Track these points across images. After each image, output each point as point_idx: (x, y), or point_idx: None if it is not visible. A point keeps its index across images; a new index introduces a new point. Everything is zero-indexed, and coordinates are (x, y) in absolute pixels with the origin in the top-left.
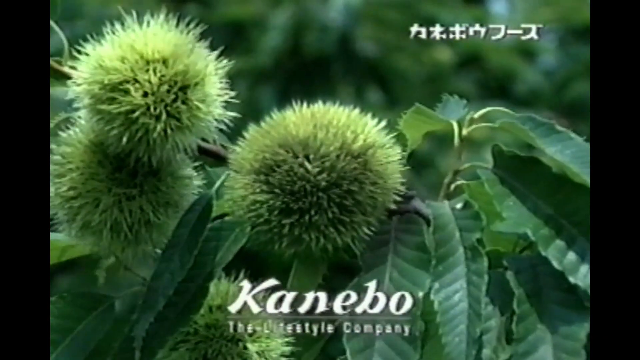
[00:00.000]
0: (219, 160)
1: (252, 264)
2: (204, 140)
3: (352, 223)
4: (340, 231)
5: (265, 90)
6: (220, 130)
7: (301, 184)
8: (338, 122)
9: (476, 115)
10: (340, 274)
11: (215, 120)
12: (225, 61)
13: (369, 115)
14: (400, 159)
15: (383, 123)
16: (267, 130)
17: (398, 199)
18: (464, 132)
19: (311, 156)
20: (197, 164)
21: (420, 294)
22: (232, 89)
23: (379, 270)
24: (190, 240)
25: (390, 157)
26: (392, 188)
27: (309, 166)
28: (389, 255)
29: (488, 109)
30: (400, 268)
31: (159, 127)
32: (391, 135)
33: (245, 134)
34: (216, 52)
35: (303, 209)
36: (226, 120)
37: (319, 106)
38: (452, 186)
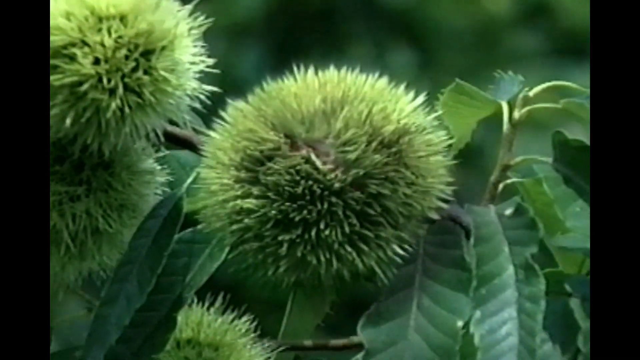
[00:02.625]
0: (192, 149)
1: (234, 287)
2: (172, 123)
3: (377, 239)
4: (362, 251)
5: (252, 53)
6: (194, 109)
7: (306, 184)
8: (358, 95)
9: (532, 92)
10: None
11: (188, 96)
12: (201, 18)
13: (401, 86)
14: (446, 148)
15: (421, 98)
16: (256, 107)
17: (441, 204)
18: (516, 114)
19: (322, 144)
20: (162, 154)
21: (459, 323)
22: (210, 55)
23: (404, 296)
24: (152, 255)
25: (433, 146)
26: (434, 190)
27: (316, 160)
28: (416, 275)
29: (549, 83)
30: (432, 291)
31: (113, 105)
32: (432, 114)
33: (224, 114)
34: (189, 7)
35: (308, 221)
36: (202, 97)
37: (330, 73)
38: (500, 186)
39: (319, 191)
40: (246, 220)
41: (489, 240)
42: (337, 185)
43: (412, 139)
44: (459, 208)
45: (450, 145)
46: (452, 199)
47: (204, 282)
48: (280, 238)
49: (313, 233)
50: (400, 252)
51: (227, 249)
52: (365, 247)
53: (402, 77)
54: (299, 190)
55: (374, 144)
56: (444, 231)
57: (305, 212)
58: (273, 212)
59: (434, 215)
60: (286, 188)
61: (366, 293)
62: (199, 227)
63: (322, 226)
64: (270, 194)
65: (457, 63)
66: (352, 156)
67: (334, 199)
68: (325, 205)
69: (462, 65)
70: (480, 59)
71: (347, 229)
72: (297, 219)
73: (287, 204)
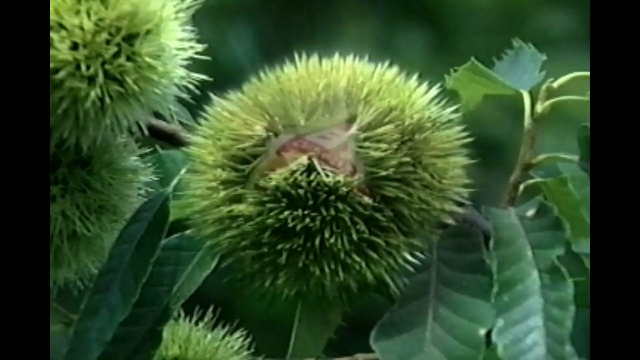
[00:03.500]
0: (178, 145)
1: (225, 298)
2: (157, 115)
3: (388, 247)
4: (371, 259)
5: (245, 37)
6: (182, 100)
7: (308, 188)
8: (369, 86)
9: (556, 84)
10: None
11: (175, 85)
12: (189, 0)
13: (411, 74)
14: (465, 144)
15: (434, 90)
16: (251, 97)
17: (457, 209)
18: (539, 107)
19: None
20: (146, 150)
21: (482, 331)
22: (199, 40)
23: (418, 305)
24: (136, 263)
25: (450, 144)
26: (451, 192)
27: (317, 162)
28: (431, 283)
29: (577, 73)
30: (449, 299)
31: (92, 94)
32: (451, 107)
33: (213, 107)
34: None
35: (311, 229)
36: (190, 86)
37: (334, 59)
38: (521, 187)
39: (323, 196)
40: (240, 227)
41: (510, 243)
42: (343, 189)
43: (428, 136)
44: (475, 211)
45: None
46: (468, 201)
47: (192, 293)
48: (279, 247)
49: (316, 241)
50: (412, 259)
51: (217, 257)
52: (374, 255)
53: (412, 63)
54: (300, 192)
55: (394, 142)
56: (460, 234)
57: (307, 220)
58: (270, 220)
59: (449, 220)
60: (285, 192)
61: (371, 306)
62: (187, 232)
63: (326, 234)
64: (266, 198)
65: (477, 47)
66: (376, 154)
67: (340, 205)
68: (332, 212)
69: (482, 50)
70: (503, 43)
71: (355, 237)
72: (297, 226)
73: (287, 212)
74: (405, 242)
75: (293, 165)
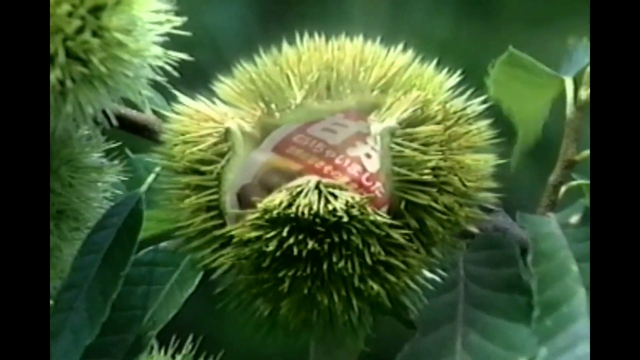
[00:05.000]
0: (152, 138)
1: (208, 325)
2: (127, 103)
3: (407, 267)
4: (387, 280)
5: (234, 9)
6: (157, 85)
7: (314, 215)
8: (380, 68)
9: None
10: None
11: (149, 66)
12: None
13: (432, 62)
14: (492, 139)
15: (456, 77)
16: (243, 81)
17: (482, 215)
18: (583, 95)
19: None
20: (113, 144)
21: None
22: (178, 13)
23: (445, 332)
24: (104, 277)
25: (477, 139)
26: (478, 196)
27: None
28: (458, 304)
29: None
30: (481, 324)
31: (52, 77)
32: (480, 96)
33: (183, 98)
34: None
35: (318, 253)
36: (168, 67)
37: (344, 40)
38: (563, 188)
39: (332, 220)
40: (235, 251)
41: (551, 257)
42: (356, 212)
43: (455, 131)
44: (508, 217)
45: (506, 138)
46: (499, 207)
47: (169, 319)
48: (281, 274)
49: (324, 266)
50: (435, 276)
51: (200, 275)
52: (392, 278)
53: (428, 43)
54: (306, 220)
55: (431, 139)
56: (491, 245)
57: (314, 244)
58: (270, 248)
59: (474, 229)
60: (287, 218)
61: (389, 333)
62: (163, 244)
63: (334, 258)
64: (263, 222)
65: (510, 27)
66: (414, 155)
67: (351, 226)
68: (343, 235)
69: (516, 28)
70: (545, 15)
71: (369, 260)
72: (303, 253)
73: (291, 238)
74: (426, 260)
75: (295, 187)
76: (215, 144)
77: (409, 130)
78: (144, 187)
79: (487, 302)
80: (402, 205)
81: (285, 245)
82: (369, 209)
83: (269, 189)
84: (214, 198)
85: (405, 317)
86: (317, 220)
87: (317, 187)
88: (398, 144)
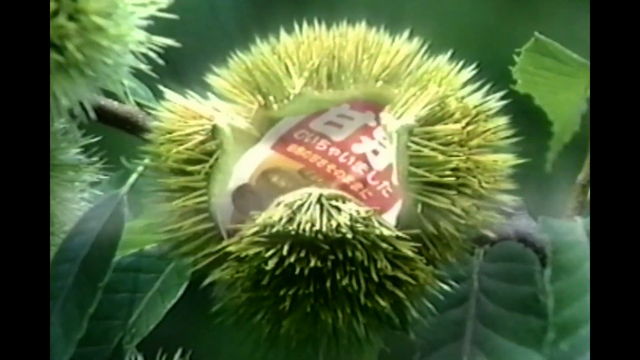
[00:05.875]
0: (135, 133)
1: (194, 338)
2: (107, 94)
3: (415, 280)
4: (394, 296)
5: None
6: (138, 75)
7: (316, 231)
8: (386, 58)
9: None
10: None
11: (131, 53)
12: None
13: (446, 54)
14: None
15: (472, 69)
16: (236, 73)
17: (500, 218)
18: None
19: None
20: (92, 139)
21: None
22: None
23: (450, 351)
24: (81, 287)
25: (500, 135)
26: (498, 200)
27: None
28: (467, 321)
29: None
30: (490, 346)
31: None
32: (499, 90)
33: (170, 94)
34: None
35: (321, 270)
36: (153, 54)
37: (346, 27)
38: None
39: (337, 236)
40: (232, 266)
41: (572, 271)
42: (361, 227)
43: (474, 129)
44: (530, 221)
45: (526, 136)
46: (521, 210)
47: (151, 330)
48: (281, 292)
49: (327, 284)
50: (445, 287)
51: (185, 284)
52: (400, 293)
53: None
54: (307, 237)
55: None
56: (509, 257)
57: (317, 262)
58: (269, 267)
59: (491, 234)
60: (287, 235)
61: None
62: (147, 248)
63: (338, 275)
64: (261, 239)
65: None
66: (433, 155)
67: (356, 242)
68: (348, 252)
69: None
70: None
71: (375, 277)
72: (305, 271)
73: (292, 257)
74: (435, 274)
75: (295, 201)
76: (202, 142)
77: (428, 128)
78: (125, 188)
79: (499, 322)
80: (419, 208)
81: (285, 264)
82: (375, 221)
83: (267, 190)
84: (202, 200)
85: (414, 333)
86: (320, 236)
87: (318, 200)
88: (416, 143)
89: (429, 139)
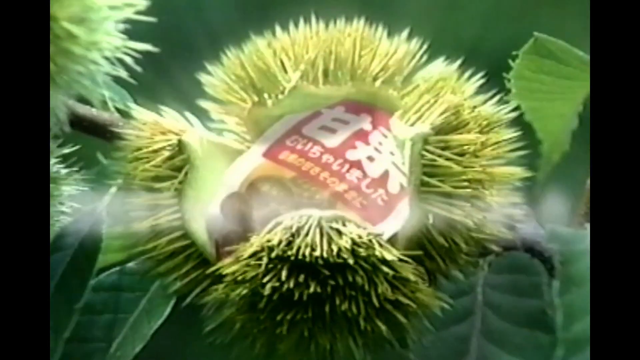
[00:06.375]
0: (113, 141)
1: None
2: (83, 101)
3: (416, 304)
4: (395, 319)
5: None
6: (118, 80)
7: (315, 257)
8: (388, 58)
9: None
10: None
11: (107, 59)
12: None
13: (457, 62)
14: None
15: (480, 78)
16: (228, 70)
17: (506, 233)
18: None
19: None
20: (68, 150)
21: None
22: None
23: None
24: (57, 309)
25: (510, 147)
26: (506, 213)
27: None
28: (472, 337)
29: None
30: None
31: None
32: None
33: (139, 110)
34: None
35: (320, 295)
36: (129, 59)
37: (344, 24)
38: None
39: (338, 262)
40: (227, 288)
41: (582, 282)
42: (364, 252)
43: (487, 140)
44: (538, 229)
45: (531, 150)
46: (528, 218)
47: (137, 352)
48: (278, 317)
49: (326, 309)
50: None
51: (171, 303)
52: (400, 316)
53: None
54: (307, 260)
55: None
56: (515, 268)
57: (316, 287)
58: (267, 292)
59: (497, 247)
60: (284, 258)
61: None
62: (130, 265)
63: (337, 300)
64: (258, 262)
65: None
66: (448, 165)
67: (357, 267)
68: (348, 277)
69: None
70: None
71: (376, 302)
72: (304, 297)
73: (291, 282)
74: (437, 295)
75: (294, 224)
76: (169, 158)
77: (442, 137)
78: (103, 205)
79: (505, 337)
80: (430, 219)
81: (284, 289)
82: (376, 244)
83: (257, 199)
84: (174, 217)
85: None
86: (320, 262)
87: (318, 224)
88: (430, 152)
89: (443, 148)
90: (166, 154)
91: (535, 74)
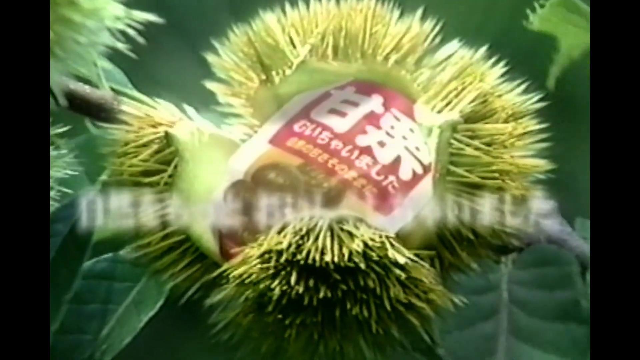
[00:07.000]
0: (108, 120)
1: (173, 353)
2: (79, 78)
3: (429, 305)
4: (407, 322)
5: None
6: (114, 57)
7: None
8: (400, 37)
9: None
10: None
11: (108, 30)
12: None
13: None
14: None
15: (502, 65)
16: (235, 47)
17: (529, 226)
18: None
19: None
20: (61, 129)
21: None
22: None
23: None
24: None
25: (537, 137)
26: (530, 206)
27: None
28: (499, 336)
29: None
30: None
31: None
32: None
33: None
34: None
35: (329, 300)
36: (132, 32)
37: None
38: None
39: (350, 265)
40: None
41: None
42: (376, 256)
43: (514, 129)
44: (566, 226)
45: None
46: (552, 214)
47: (125, 345)
48: (287, 321)
49: (336, 313)
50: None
51: (165, 294)
52: (414, 319)
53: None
54: (317, 265)
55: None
56: (542, 261)
57: (326, 292)
58: (275, 296)
59: (519, 243)
60: (293, 261)
61: None
62: (122, 252)
63: (348, 304)
64: (266, 265)
65: None
66: (477, 155)
67: (369, 270)
68: (359, 282)
69: None
70: None
71: (388, 306)
72: (313, 301)
73: (300, 286)
74: (445, 296)
75: (303, 226)
76: (157, 151)
77: (471, 125)
78: (97, 186)
79: (536, 334)
80: (456, 210)
81: (293, 293)
82: (389, 246)
83: (263, 187)
84: (165, 213)
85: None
86: (331, 266)
87: (329, 226)
88: (458, 140)
89: (472, 137)
90: (154, 147)
91: (561, 22)
